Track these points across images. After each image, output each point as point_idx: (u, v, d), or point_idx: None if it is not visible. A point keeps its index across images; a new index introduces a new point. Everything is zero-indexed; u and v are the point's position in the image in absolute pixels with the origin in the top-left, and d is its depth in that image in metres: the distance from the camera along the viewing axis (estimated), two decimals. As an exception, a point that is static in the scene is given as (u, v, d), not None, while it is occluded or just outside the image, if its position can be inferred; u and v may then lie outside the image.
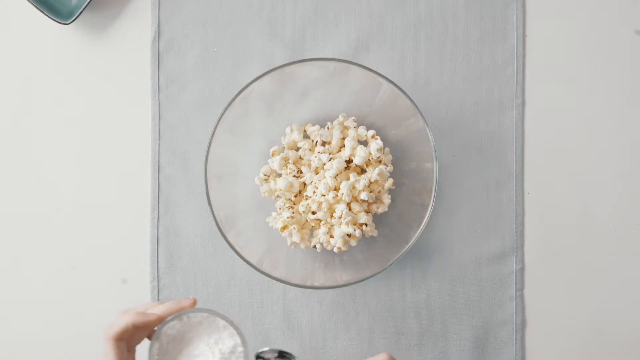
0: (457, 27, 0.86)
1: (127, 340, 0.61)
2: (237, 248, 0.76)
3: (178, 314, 0.62)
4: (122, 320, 0.61)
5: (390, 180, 0.81)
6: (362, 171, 0.82)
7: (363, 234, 0.81)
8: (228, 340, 0.63)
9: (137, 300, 0.84)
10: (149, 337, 0.63)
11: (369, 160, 0.80)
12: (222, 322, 0.63)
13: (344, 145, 0.82)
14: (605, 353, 0.86)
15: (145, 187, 0.85)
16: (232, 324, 0.63)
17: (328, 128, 0.82)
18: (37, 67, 0.86)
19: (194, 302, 0.64)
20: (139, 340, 0.64)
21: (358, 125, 0.83)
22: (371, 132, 0.81)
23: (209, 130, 0.77)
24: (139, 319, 0.61)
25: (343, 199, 0.79)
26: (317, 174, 0.81)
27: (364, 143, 0.83)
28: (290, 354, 0.66)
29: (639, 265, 0.86)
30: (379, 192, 0.81)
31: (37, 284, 0.86)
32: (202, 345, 0.63)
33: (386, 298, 0.85)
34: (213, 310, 0.64)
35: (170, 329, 0.63)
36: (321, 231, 0.80)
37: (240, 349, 0.63)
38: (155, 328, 0.62)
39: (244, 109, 0.78)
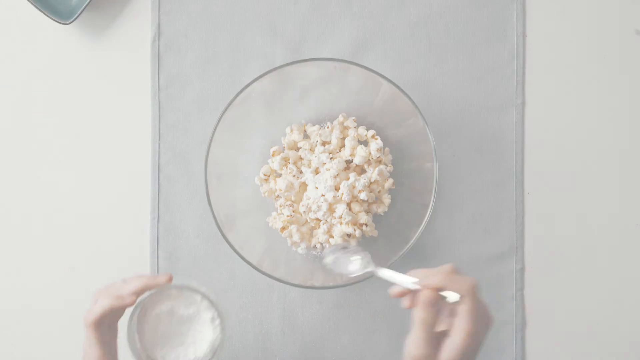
0: (457, 27, 0.86)
1: (107, 322, 0.62)
2: (237, 248, 0.76)
3: (156, 290, 0.63)
4: (99, 306, 0.61)
5: (390, 180, 0.81)
6: (362, 171, 0.82)
7: (363, 234, 0.81)
8: (205, 313, 0.65)
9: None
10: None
11: (369, 160, 0.80)
12: (199, 296, 0.65)
13: (344, 145, 0.82)
14: (605, 353, 0.86)
15: (145, 187, 0.85)
16: (208, 298, 0.65)
17: (328, 128, 0.82)
18: (37, 67, 0.86)
19: (170, 278, 0.64)
20: (119, 317, 0.65)
21: (358, 125, 0.82)
22: (371, 132, 0.81)
23: (209, 130, 0.77)
24: (116, 303, 0.61)
25: (343, 199, 0.79)
26: (317, 174, 0.81)
27: (364, 143, 0.82)
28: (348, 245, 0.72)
29: (639, 265, 0.86)
30: (379, 192, 0.81)
31: (36, 284, 0.86)
32: (181, 315, 0.65)
33: (386, 298, 0.85)
34: (190, 285, 0.65)
35: (149, 301, 0.64)
36: (321, 231, 0.80)
37: (218, 320, 0.66)
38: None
39: (244, 109, 0.78)
